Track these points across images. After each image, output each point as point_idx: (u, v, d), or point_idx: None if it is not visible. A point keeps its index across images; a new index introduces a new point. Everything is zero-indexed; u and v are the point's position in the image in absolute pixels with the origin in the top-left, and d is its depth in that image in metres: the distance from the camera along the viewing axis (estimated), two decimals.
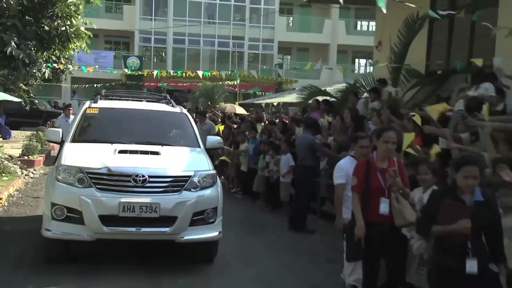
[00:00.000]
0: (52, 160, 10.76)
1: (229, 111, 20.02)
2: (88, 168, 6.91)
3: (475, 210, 4.70)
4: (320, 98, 12.69)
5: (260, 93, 35.68)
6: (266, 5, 40.54)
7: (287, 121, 13.24)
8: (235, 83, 31.85)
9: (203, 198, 7.14)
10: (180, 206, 6.93)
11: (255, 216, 10.44)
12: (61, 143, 7.96)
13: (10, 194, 10.73)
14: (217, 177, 7.63)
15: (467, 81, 9.23)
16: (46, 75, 14.60)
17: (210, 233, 7.22)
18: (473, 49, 10.73)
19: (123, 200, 6.79)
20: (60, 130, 8.33)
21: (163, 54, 41.84)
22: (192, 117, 14.20)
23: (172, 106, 9.05)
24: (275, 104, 26.38)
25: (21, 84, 18.13)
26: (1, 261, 6.97)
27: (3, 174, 11.72)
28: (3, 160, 12.37)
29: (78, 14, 12.66)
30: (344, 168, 6.49)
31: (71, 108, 15.75)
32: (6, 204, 9.97)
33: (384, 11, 7.19)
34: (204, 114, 15.31)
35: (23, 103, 21.88)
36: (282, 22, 41.71)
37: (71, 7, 12.47)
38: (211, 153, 10.29)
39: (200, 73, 18.54)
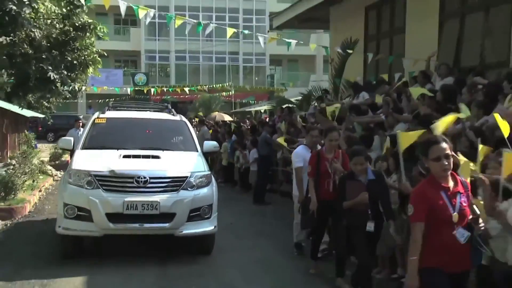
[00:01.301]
0: (65, 167, 11.43)
1: (217, 119, 22.83)
2: (95, 172, 7.26)
3: (369, 185, 5.82)
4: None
5: (253, 101, 38.29)
6: (258, 23, 43.27)
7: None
8: (230, 93, 34.64)
9: (199, 196, 7.47)
10: (178, 204, 7.26)
11: (233, 196, 13.23)
12: (72, 151, 8.35)
13: (46, 187, 13.55)
14: (212, 177, 8.05)
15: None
16: (68, 95, 17.43)
17: (206, 227, 7.55)
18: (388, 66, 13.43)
19: (127, 199, 7.11)
20: (71, 139, 8.76)
21: (167, 70, 44.68)
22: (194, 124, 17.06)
23: (173, 114, 9.42)
24: (262, 111, 29.12)
25: (44, 102, 21.01)
26: (22, 255, 7.46)
27: (39, 174, 14.53)
28: (39, 163, 15.17)
29: (93, 47, 15.51)
30: (301, 154, 7.47)
31: (80, 121, 17.53)
32: (44, 194, 12.74)
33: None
34: (202, 122, 18.30)
35: (46, 118, 24.67)
36: (273, 36, 44.39)
37: (87, 41, 15.36)
38: (213, 156, 12.13)
39: (186, 89, 21.41)
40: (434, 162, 4.04)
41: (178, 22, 11.02)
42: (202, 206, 7.48)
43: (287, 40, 11.86)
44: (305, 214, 6.88)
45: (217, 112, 26.54)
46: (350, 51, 13.02)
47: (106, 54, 17.41)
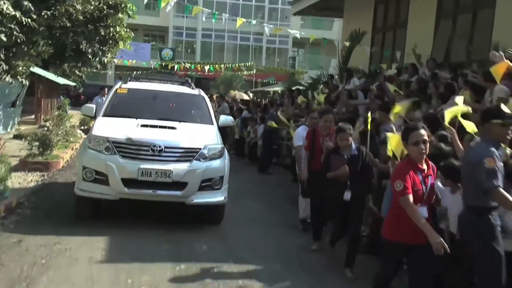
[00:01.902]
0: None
1: (236, 97, 24.11)
2: (113, 138, 7.43)
3: (350, 160, 6.26)
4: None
5: (274, 82, 39.32)
6: (283, 5, 44.16)
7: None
8: (252, 73, 35.78)
9: (211, 167, 7.60)
10: (190, 174, 7.40)
11: (241, 166, 14.51)
12: (95, 118, 8.60)
13: (76, 147, 14.86)
14: (225, 150, 8.17)
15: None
16: (98, 66, 18.83)
17: (216, 197, 7.71)
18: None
19: (142, 166, 7.27)
20: (94, 106, 9.07)
21: (193, 46, 45.93)
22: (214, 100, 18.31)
23: (192, 88, 9.54)
24: (279, 91, 30.24)
25: (76, 71, 22.44)
26: (41, 214, 7.75)
27: (71, 137, 15.88)
28: (71, 127, 16.56)
29: (123, 25, 16.83)
30: (301, 134, 7.94)
31: (105, 89, 17.21)
32: (74, 154, 14.11)
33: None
34: (223, 98, 19.65)
35: (77, 86, 26.04)
36: (297, 20, 45.34)
37: (119, 17, 16.67)
38: (227, 129, 12.72)
39: (206, 68, 22.65)
40: (413, 146, 4.46)
41: (196, 11, 12.02)
42: (214, 177, 7.63)
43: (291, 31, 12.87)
44: (302, 184, 7.60)
45: (236, 91, 27.74)
46: (356, 43, 14.16)
47: (135, 30, 18.76)
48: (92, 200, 7.49)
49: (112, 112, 8.42)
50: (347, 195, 6.24)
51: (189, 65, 34.83)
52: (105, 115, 8.36)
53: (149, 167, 7.26)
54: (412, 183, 4.37)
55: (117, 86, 9.18)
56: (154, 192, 7.33)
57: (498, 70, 6.81)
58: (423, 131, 4.45)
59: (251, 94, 26.95)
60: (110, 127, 7.77)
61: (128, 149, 7.38)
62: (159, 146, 7.34)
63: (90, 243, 6.54)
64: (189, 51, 46.27)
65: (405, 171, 4.45)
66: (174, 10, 43.83)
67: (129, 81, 9.43)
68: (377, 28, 15.51)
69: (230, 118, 9.55)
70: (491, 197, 4.19)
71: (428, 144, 4.46)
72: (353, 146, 6.40)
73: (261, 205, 9.57)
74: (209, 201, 7.65)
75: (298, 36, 12.73)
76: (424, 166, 4.51)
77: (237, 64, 37.08)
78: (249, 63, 35.61)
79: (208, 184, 7.55)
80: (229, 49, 44.99)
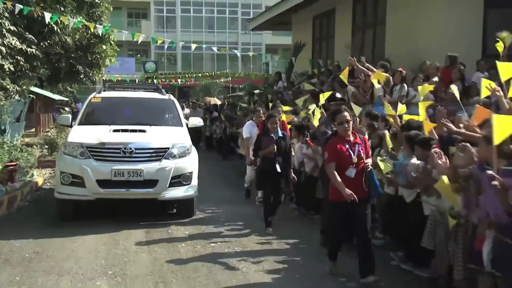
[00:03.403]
0: None
1: (211, 102, 27.24)
2: (87, 143, 7.84)
3: (278, 140, 7.59)
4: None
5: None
6: (255, 15, 47.29)
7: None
8: (228, 79, 38.91)
9: (179, 165, 8.01)
10: (160, 172, 7.82)
11: (211, 156, 17.46)
12: (71, 126, 9.01)
13: None
14: (193, 148, 8.58)
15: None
16: (88, 83, 21.86)
17: (186, 192, 8.15)
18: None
19: (114, 167, 7.66)
20: (69, 116, 9.61)
21: (174, 59, 49.07)
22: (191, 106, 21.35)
23: (162, 94, 9.91)
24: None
25: (68, 87, 25.41)
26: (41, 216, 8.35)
27: None
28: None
29: (107, 53, 19.83)
30: (248, 128, 9.58)
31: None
32: None
33: None
34: (196, 104, 22.81)
35: (69, 100, 28.94)
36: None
37: (103, 46, 19.66)
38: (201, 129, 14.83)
39: (179, 81, 25.76)
40: (339, 126, 5.54)
41: (160, 41, 14.40)
42: (183, 174, 8.04)
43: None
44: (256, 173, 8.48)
45: (210, 98, 30.79)
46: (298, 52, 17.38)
47: (120, 45, 21.90)
48: (73, 202, 7.99)
49: (87, 120, 8.92)
50: (278, 167, 7.55)
51: (171, 76, 37.93)
52: (80, 123, 8.84)
53: (121, 168, 7.71)
54: (339, 152, 5.44)
55: (91, 96, 9.64)
56: (127, 191, 7.77)
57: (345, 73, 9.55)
58: (346, 113, 5.53)
59: (225, 100, 29.98)
60: (84, 134, 8.20)
61: (101, 152, 7.83)
62: (130, 148, 7.79)
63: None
64: (171, 62, 49.35)
65: (333, 145, 5.56)
66: (155, 25, 47.11)
67: (103, 90, 9.93)
68: (315, 39, 18.75)
69: (199, 119, 10.30)
70: None
71: (351, 123, 5.55)
72: (279, 130, 7.71)
73: (220, 179, 12.81)
74: (179, 196, 8.10)
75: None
76: (351, 138, 5.57)
77: (214, 72, 40.26)
78: (225, 71, 38.70)
79: (178, 180, 8.00)
80: (207, 59, 48.14)
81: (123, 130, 8.27)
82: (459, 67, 9.25)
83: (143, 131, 8.31)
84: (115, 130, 8.24)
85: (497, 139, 3.87)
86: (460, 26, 11.50)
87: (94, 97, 9.53)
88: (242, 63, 48.81)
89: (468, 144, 4.37)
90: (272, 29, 25.91)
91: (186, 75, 33.37)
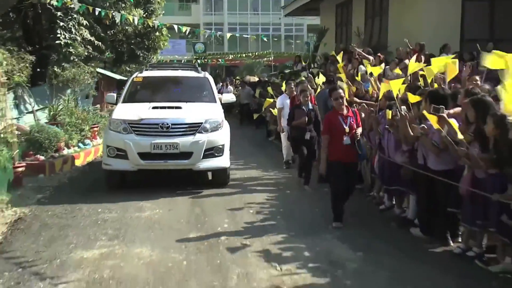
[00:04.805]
0: None
1: (249, 80, 30.35)
2: (129, 120, 8.42)
3: (308, 112, 8.66)
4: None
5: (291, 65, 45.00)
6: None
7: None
8: (271, 59, 41.93)
9: (211, 138, 8.51)
10: (194, 145, 8.34)
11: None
12: (116, 104, 9.63)
13: None
14: (226, 123, 9.07)
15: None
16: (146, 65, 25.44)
17: (218, 163, 8.68)
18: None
19: (153, 141, 8.21)
20: (114, 95, 10.04)
21: (220, 39, 52.32)
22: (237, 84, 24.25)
23: (198, 72, 10.40)
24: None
25: (127, 68, 29.15)
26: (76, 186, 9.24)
27: None
28: None
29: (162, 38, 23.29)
30: (281, 99, 10.64)
31: None
32: None
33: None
34: (244, 83, 25.88)
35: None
36: None
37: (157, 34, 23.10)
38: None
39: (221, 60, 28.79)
40: (334, 101, 6.54)
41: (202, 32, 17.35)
42: (215, 146, 8.55)
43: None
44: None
45: (250, 76, 33.92)
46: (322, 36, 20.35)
47: (172, 28, 25.44)
48: (118, 172, 8.73)
49: (130, 98, 9.58)
50: (307, 135, 8.59)
51: (219, 56, 41.27)
52: (123, 101, 9.50)
53: (159, 142, 8.28)
54: (334, 125, 6.52)
55: (134, 75, 10.30)
56: (165, 162, 8.41)
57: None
58: (340, 90, 6.59)
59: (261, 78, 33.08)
60: (126, 111, 8.81)
61: (141, 128, 8.41)
62: (167, 124, 8.36)
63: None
64: (217, 43, 52.66)
65: (328, 119, 6.66)
66: (203, 9, 50.49)
67: (145, 70, 10.57)
68: (338, 24, 21.62)
69: (231, 95, 11.26)
70: None
71: (344, 99, 6.58)
72: (310, 103, 8.72)
73: (251, 145, 15.13)
74: (212, 167, 8.73)
75: None
76: (345, 112, 6.60)
77: (258, 52, 43.34)
78: (268, 51, 41.68)
79: (211, 152, 8.55)
80: (252, 40, 51.19)
81: (161, 107, 8.89)
82: (425, 52, 12.04)
83: (179, 107, 8.92)
84: (154, 107, 8.88)
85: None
86: (442, 17, 14.26)
87: (136, 76, 10.19)
88: (285, 42, 51.55)
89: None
90: (304, 15, 28.64)
91: (232, 55, 36.46)
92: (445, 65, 6.93)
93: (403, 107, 6.25)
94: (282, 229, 6.65)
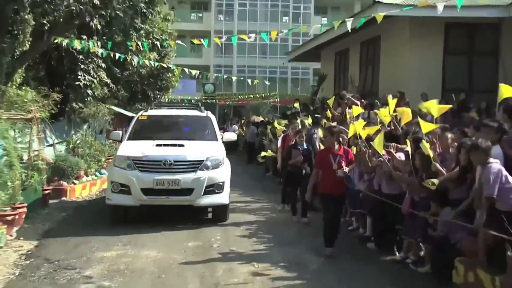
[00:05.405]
0: None
1: (255, 120, 32.10)
2: (133, 157, 8.78)
3: (304, 152, 9.56)
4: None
5: None
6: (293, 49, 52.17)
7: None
8: (277, 100, 43.86)
9: (212, 175, 8.83)
10: (195, 181, 8.66)
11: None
12: (121, 142, 9.91)
13: None
14: (226, 160, 9.41)
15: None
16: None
17: (219, 200, 8.97)
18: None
19: (156, 177, 8.56)
20: (120, 132, 10.48)
21: (229, 80, 54.44)
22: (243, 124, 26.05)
23: (201, 111, 10.76)
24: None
25: (139, 106, 31.10)
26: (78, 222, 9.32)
27: None
28: None
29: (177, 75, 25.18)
30: (281, 139, 11.97)
31: None
32: None
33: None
34: (249, 122, 27.61)
35: None
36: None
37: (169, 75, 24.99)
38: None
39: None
40: (327, 140, 7.66)
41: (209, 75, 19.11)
42: (216, 183, 8.82)
43: None
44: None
45: (255, 116, 35.78)
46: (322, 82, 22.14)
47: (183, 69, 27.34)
48: (122, 208, 8.97)
49: (135, 136, 9.91)
50: (304, 171, 9.45)
51: (227, 97, 43.23)
52: (128, 139, 9.84)
53: (162, 178, 8.59)
54: (325, 162, 7.37)
55: (139, 114, 10.72)
56: (167, 198, 8.72)
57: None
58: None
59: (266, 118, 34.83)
60: (131, 148, 9.16)
61: (145, 164, 8.75)
62: (169, 161, 8.67)
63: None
64: (228, 83, 54.77)
65: (320, 155, 7.71)
66: (213, 51, 52.86)
67: (150, 109, 11.05)
68: (336, 71, 23.42)
69: (233, 134, 11.72)
70: None
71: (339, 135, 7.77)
72: (304, 143, 9.55)
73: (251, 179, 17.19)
74: (212, 203, 9.01)
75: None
76: (336, 149, 7.42)
77: (264, 94, 45.32)
78: (274, 93, 43.70)
79: (212, 189, 8.83)
80: (260, 81, 53.29)
81: (164, 145, 9.29)
82: (405, 100, 13.67)
83: (182, 145, 9.29)
84: (157, 145, 9.27)
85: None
86: (425, 68, 15.93)
87: (141, 115, 10.63)
88: (292, 84, 53.61)
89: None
90: (307, 61, 30.57)
91: (240, 96, 38.46)
92: (401, 111, 8.54)
93: (363, 144, 7.86)
94: (264, 241, 8.29)
